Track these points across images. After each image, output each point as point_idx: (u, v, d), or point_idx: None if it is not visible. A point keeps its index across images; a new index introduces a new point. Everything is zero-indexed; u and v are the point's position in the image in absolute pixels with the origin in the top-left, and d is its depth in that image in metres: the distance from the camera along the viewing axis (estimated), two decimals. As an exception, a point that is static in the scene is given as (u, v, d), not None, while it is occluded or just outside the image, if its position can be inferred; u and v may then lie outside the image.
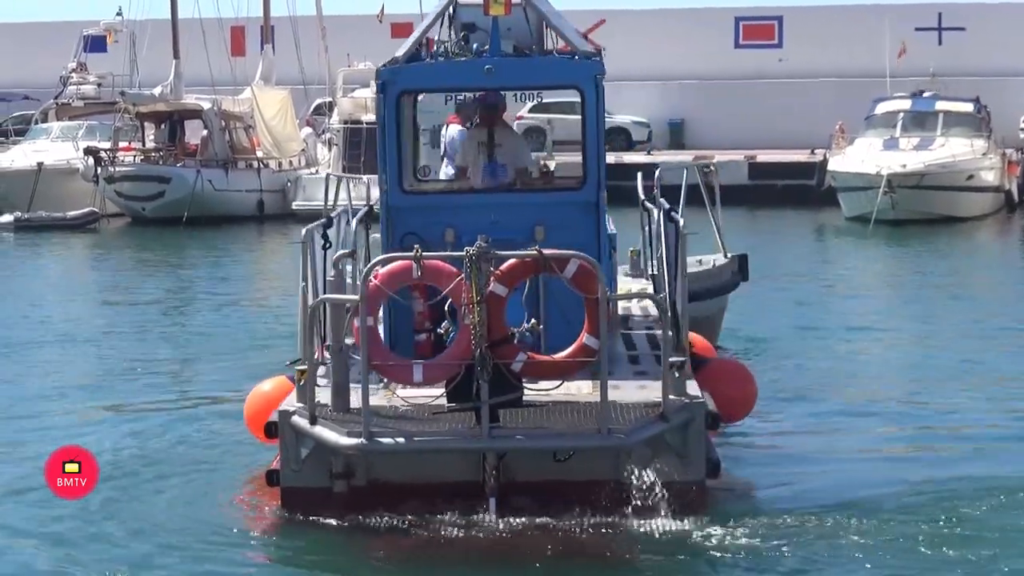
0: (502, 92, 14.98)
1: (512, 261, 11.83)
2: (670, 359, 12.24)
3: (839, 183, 43.22)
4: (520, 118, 57.83)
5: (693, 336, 17.29)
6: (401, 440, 11.81)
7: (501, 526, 11.77)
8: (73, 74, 53.15)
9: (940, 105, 44.84)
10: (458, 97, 17.82)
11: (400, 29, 15.45)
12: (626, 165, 51.96)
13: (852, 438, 15.75)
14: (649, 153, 55.18)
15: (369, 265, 12.27)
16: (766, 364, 19.48)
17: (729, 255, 19.91)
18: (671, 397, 12.14)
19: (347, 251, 12.92)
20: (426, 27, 14.33)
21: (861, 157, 42.69)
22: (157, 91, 47.93)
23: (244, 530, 12.40)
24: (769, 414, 16.41)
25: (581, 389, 12.73)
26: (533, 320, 12.05)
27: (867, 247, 37.45)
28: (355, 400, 12.10)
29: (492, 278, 11.70)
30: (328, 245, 13.64)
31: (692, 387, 12.63)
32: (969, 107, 45.01)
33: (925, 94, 46.06)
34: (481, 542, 11.63)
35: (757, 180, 49.80)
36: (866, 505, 12.69)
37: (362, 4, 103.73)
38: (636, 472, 11.92)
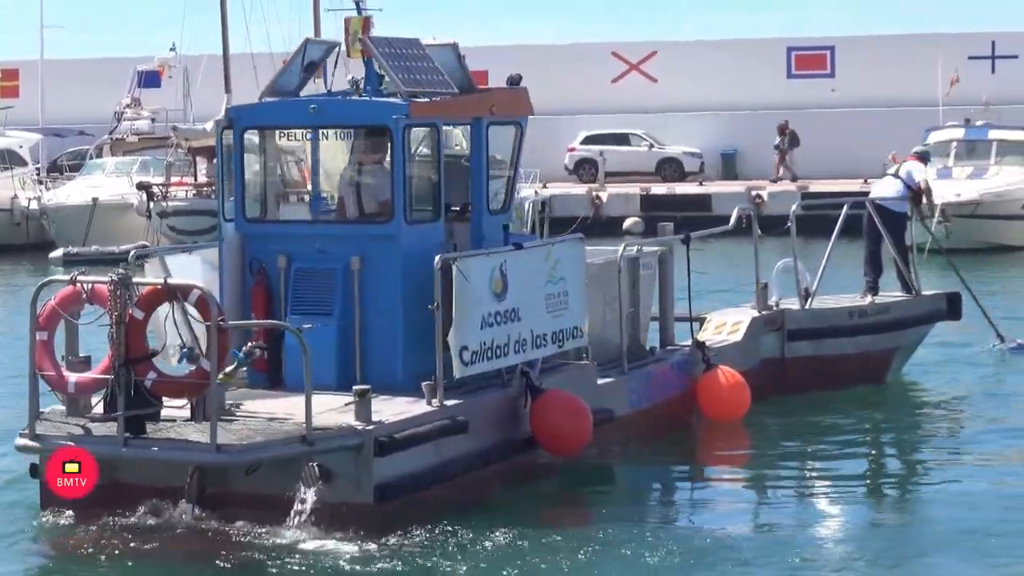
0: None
1: (147, 288, 13.19)
2: (354, 387, 13.34)
3: (892, 213, 42.89)
4: (572, 150, 58.00)
5: (726, 370, 17.36)
6: (61, 443, 13.09)
7: (192, 532, 13.06)
8: (127, 109, 53.60)
9: (993, 134, 44.54)
10: None
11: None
12: (676, 196, 52.13)
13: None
14: (701, 184, 55.14)
15: (37, 286, 13.60)
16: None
17: (922, 292, 20.37)
18: (350, 423, 13.11)
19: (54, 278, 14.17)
20: (283, 69, 15.96)
21: (914, 187, 42.39)
22: (209, 126, 48.10)
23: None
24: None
25: (330, 405, 13.73)
26: (190, 346, 13.02)
27: (922, 276, 37.04)
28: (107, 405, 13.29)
29: (135, 302, 12.96)
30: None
31: (415, 410, 13.60)
32: (1023, 135, 44.72)
33: (978, 123, 45.80)
34: (168, 545, 12.92)
35: (809, 210, 49.37)
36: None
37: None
38: (302, 490, 12.89)
